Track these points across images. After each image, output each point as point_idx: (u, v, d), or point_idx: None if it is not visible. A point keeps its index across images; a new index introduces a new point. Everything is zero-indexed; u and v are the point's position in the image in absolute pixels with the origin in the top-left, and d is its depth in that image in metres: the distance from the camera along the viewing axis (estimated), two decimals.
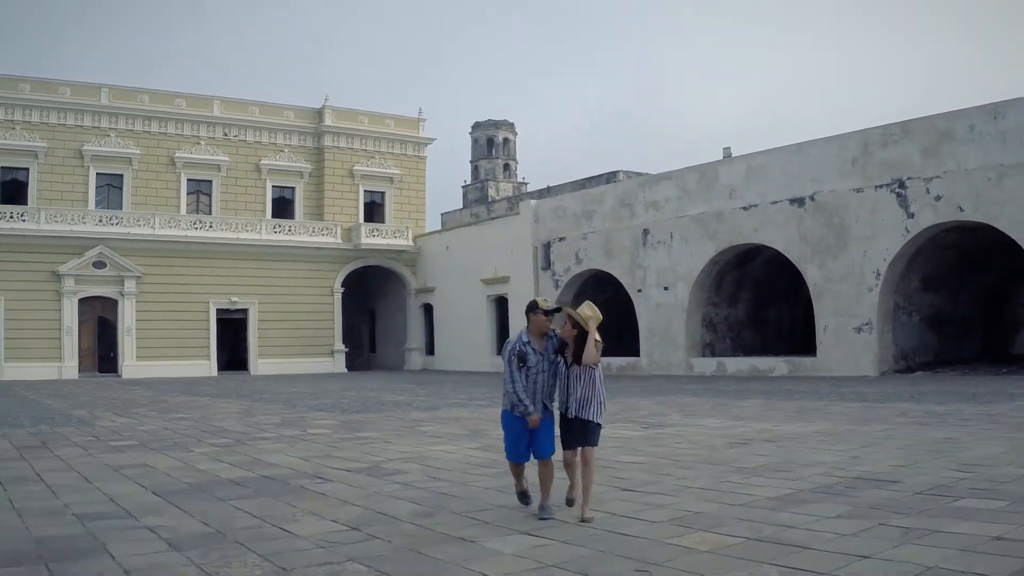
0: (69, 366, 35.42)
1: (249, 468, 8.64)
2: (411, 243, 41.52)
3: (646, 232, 30.27)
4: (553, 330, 5.98)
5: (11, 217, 34.95)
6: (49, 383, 32.91)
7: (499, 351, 36.90)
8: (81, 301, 36.12)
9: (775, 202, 26.31)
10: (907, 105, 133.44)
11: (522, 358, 5.86)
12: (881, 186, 23.80)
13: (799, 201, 25.70)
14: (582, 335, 5.76)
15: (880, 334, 23.95)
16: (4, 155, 36.27)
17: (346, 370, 40.38)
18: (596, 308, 5.84)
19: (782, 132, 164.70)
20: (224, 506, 6.57)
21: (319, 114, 41.78)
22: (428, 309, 41.88)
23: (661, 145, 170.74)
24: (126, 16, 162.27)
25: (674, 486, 7.12)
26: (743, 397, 17.66)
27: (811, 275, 25.39)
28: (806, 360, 25.83)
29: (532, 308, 5.95)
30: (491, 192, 77.88)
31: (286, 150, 40.99)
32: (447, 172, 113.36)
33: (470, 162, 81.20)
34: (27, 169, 36.73)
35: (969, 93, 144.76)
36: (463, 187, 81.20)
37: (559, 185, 68.45)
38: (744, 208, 27.17)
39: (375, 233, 40.64)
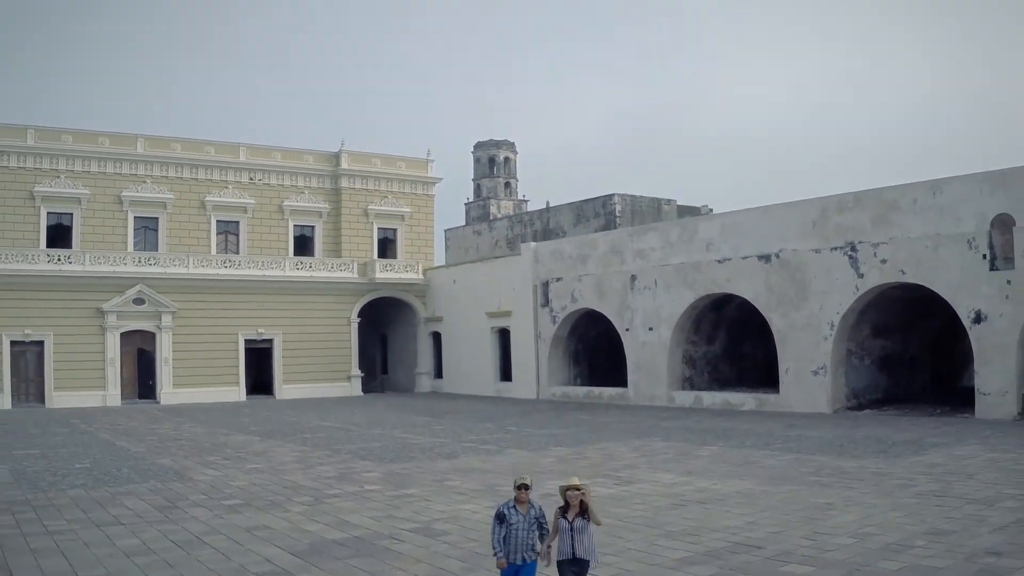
0: (112, 394, 39.11)
1: (341, 528, 12.27)
2: (421, 276, 45.33)
3: (634, 278, 34.01)
4: (532, 502, 7.84)
5: (59, 260, 38.63)
6: (95, 410, 36.75)
7: (502, 378, 40.84)
8: (122, 334, 39.79)
9: (746, 257, 30.05)
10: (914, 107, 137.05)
11: (500, 518, 7.75)
12: (836, 248, 27.53)
13: (766, 257, 29.44)
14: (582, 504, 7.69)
15: (833, 377, 27.71)
16: (51, 201, 40.00)
17: (362, 393, 44.14)
18: (581, 482, 7.86)
19: (782, 138, 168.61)
20: (345, 565, 10.22)
21: (336, 158, 45.59)
22: (437, 336, 45.64)
23: (663, 146, 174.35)
24: (157, 68, 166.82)
25: (616, 548, 10.67)
26: (706, 442, 21.31)
27: (776, 323, 29.14)
28: (771, 396, 29.56)
29: (517, 487, 7.84)
30: (493, 210, 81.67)
31: (306, 192, 44.81)
32: (451, 182, 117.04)
33: (472, 180, 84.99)
34: (71, 214, 40.49)
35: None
36: (466, 204, 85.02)
37: (557, 206, 72.24)
38: (719, 261, 30.91)
39: (388, 268, 44.43)
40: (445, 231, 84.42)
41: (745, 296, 30.18)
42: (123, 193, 40.99)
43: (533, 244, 39.90)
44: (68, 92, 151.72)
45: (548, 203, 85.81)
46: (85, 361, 38.77)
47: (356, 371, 44.34)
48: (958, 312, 24.88)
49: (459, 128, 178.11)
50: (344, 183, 45.40)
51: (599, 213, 66.18)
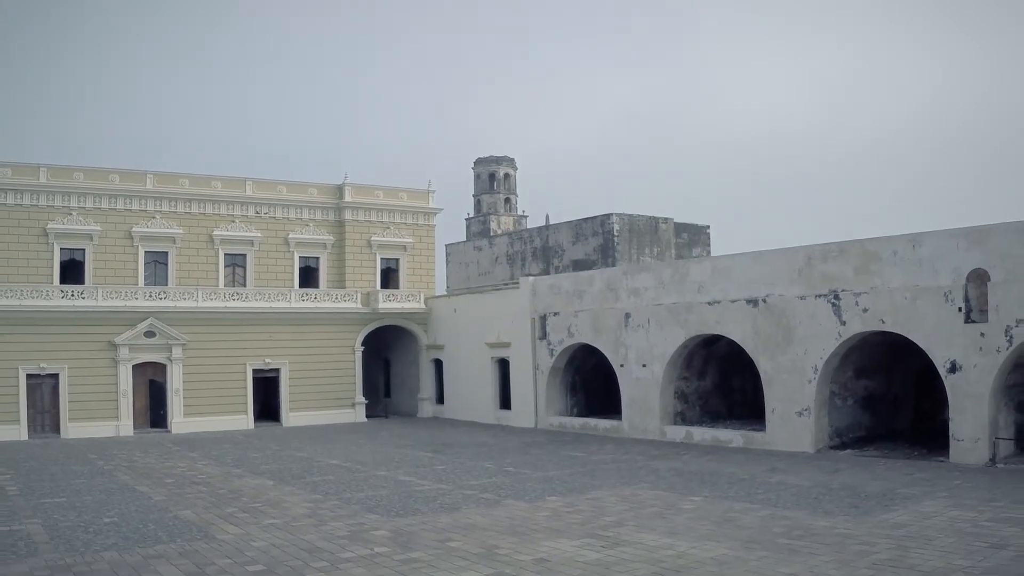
0: (125, 424, 40.51)
1: None
2: (422, 305, 46.76)
3: (628, 315, 35.39)
4: None
5: (72, 295, 40.00)
6: (110, 441, 38.14)
7: (502, 406, 42.26)
8: (134, 366, 41.17)
9: (735, 300, 31.41)
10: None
11: None
12: (820, 295, 28.89)
13: (754, 302, 30.80)
14: None
15: (817, 418, 29.09)
16: (64, 238, 41.37)
17: (365, 419, 45.56)
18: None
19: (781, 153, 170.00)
20: None
21: (339, 190, 47.03)
22: (438, 363, 47.04)
23: (662, 148, 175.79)
24: (163, 107, 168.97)
25: None
26: (691, 490, 22.62)
27: (763, 365, 30.51)
28: (758, 434, 30.92)
29: None
30: (493, 226, 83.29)
31: (311, 224, 46.24)
32: (451, 194, 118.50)
33: (472, 196, 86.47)
34: (83, 249, 41.86)
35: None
36: (466, 219, 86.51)
37: (556, 224, 73.81)
38: (709, 303, 32.28)
39: (391, 298, 45.87)
40: (446, 246, 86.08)
41: (734, 338, 31.54)
42: (133, 229, 42.37)
43: (531, 278, 41.26)
44: (78, 129, 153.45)
45: (548, 217, 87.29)
46: (98, 393, 40.15)
47: (360, 398, 45.75)
48: (934, 361, 26.23)
49: (459, 133, 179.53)
50: (348, 215, 46.84)
51: (597, 232, 67.87)
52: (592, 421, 37.84)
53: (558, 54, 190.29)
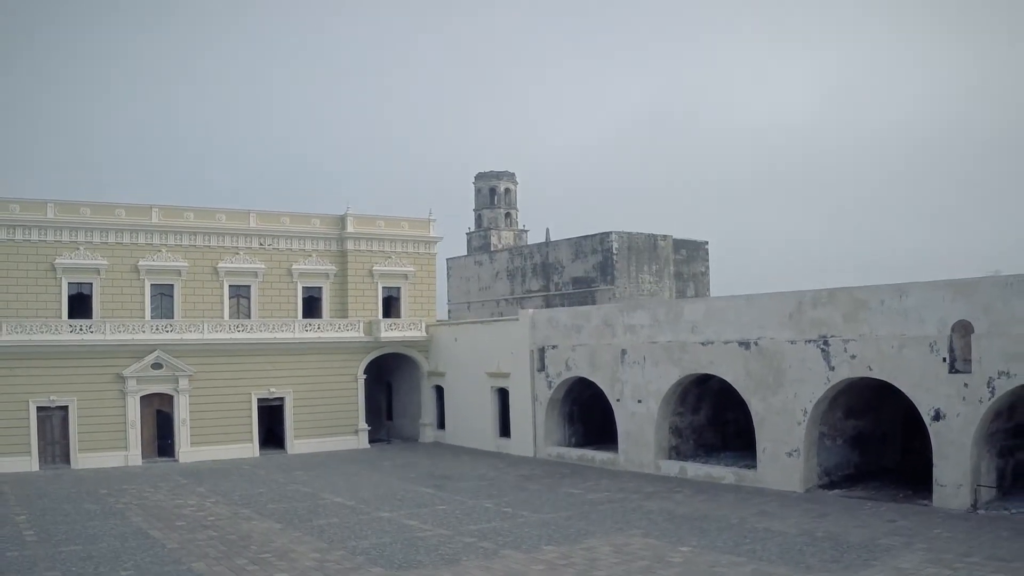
0: (134, 454, 41.42)
1: None
2: (424, 333, 47.71)
3: (624, 352, 36.27)
4: None
5: (81, 329, 40.89)
6: (119, 472, 39.06)
7: (502, 434, 43.18)
8: (142, 397, 42.05)
9: (727, 342, 32.29)
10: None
11: None
12: (810, 341, 29.75)
13: (746, 344, 31.67)
14: None
15: (806, 459, 29.97)
16: (71, 272, 42.29)
17: (368, 445, 46.49)
18: None
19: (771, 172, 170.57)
20: None
21: (342, 220, 47.96)
22: (439, 389, 47.96)
23: (664, 151, 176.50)
24: (167, 139, 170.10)
25: None
26: (681, 539, 23.47)
27: (754, 406, 31.38)
28: (749, 472, 31.79)
29: None
30: (493, 240, 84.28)
31: (314, 255, 47.19)
32: (452, 207, 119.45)
33: (473, 210, 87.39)
34: (91, 283, 42.77)
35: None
36: (467, 234, 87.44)
37: (556, 241, 74.73)
38: (703, 343, 33.15)
39: (392, 327, 46.82)
40: (447, 260, 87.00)
41: (726, 378, 32.41)
42: (140, 262, 43.28)
43: (530, 311, 42.14)
44: (86, 168, 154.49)
45: (548, 231, 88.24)
46: (107, 423, 41.05)
47: (363, 425, 46.69)
48: (919, 409, 27.10)
49: (461, 142, 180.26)
50: (350, 245, 47.78)
51: (596, 249, 68.88)
52: (589, 453, 38.73)
53: (560, 59, 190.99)
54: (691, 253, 72.42)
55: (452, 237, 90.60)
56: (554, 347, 39.88)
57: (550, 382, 40.06)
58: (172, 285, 44.17)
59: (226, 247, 45.18)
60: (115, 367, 41.29)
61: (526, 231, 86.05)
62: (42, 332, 40.17)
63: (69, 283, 42.27)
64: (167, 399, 42.80)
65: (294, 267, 46.69)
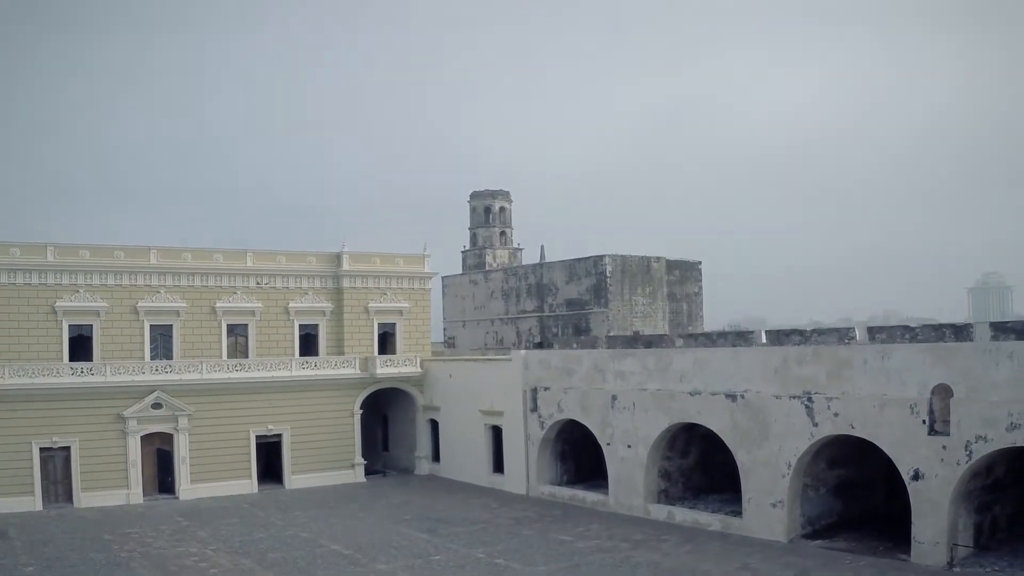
0: (135, 492, 42.22)
1: None
2: (419, 369, 48.51)
3: (614, 397, 37.09)
4: None
5: (82, 372, 41.61)
6: (121, 512, 39.85)
7: (495, 469, 44.01)
8: (142, 437, 42.81)
9: (715, 393, 33.11)
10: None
11: None
12: (794, 396, 30.58)
13: (733, 396, 32.50)
14: None
15: (790, 510, 30.84)
16: (72, 315, 42.99)
17: (364, 479, 47.29)
18: None
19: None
20: None
21: (338, 258, 48.70)
22: (434, 423, 48.74)
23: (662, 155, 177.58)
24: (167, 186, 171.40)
25: None
26: None
27: (740, 457, 32.22)
28: (735, 520, 32.65)
29: None
30: (488, 259, 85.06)
31: (310, 293, 47.97)
32: (448, 224, 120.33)
33: (468, 229, 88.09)
34: (91, 325, 43.48)
35: None
36: (462, 252, 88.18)
37: (550, 263, 75.56)
38: (691, 393, 33.98)
39: (388, 364, 47.63)
40: (442, 278, 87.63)
41: (713, 428, 33.25)
42: (139, 304, 43.99)
43: (523, 352, 42.92)
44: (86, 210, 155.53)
45: (543, 248, 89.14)
46: (109, 463, 41.82)
47: (359, 459, 47.51)
48: (899, 468, 27.96)
49: (455, 158, 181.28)
50: (346, 283, 48.54)
51: (590, 272, 69.64)
52: (580, 493, 39.53)
53: (557, 70, 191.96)
54: (684, 274, 73.16)
55: (447, 254, 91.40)
56: (546, 388, 40.68)
57: (542, 422, 40.87)
58: (171, 325, 44.89)
59: (223, 287, 45.89)
60: (116, 408, 42.02)
61: (521, 249, 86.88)
62: (44, 375, 40.89)
63: (70, 325, 42.95)
64: (167, 437, 43.55)
65: (291, 305, 47.44)
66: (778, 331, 42.02)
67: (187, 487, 43.15)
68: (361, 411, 47.83)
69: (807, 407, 30.17)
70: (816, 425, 29.94)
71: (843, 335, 38.65)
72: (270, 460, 46.45)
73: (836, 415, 29.40)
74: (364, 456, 48.24)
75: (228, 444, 44.32)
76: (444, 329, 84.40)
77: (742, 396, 32.20)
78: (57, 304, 42.57)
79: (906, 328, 37.63)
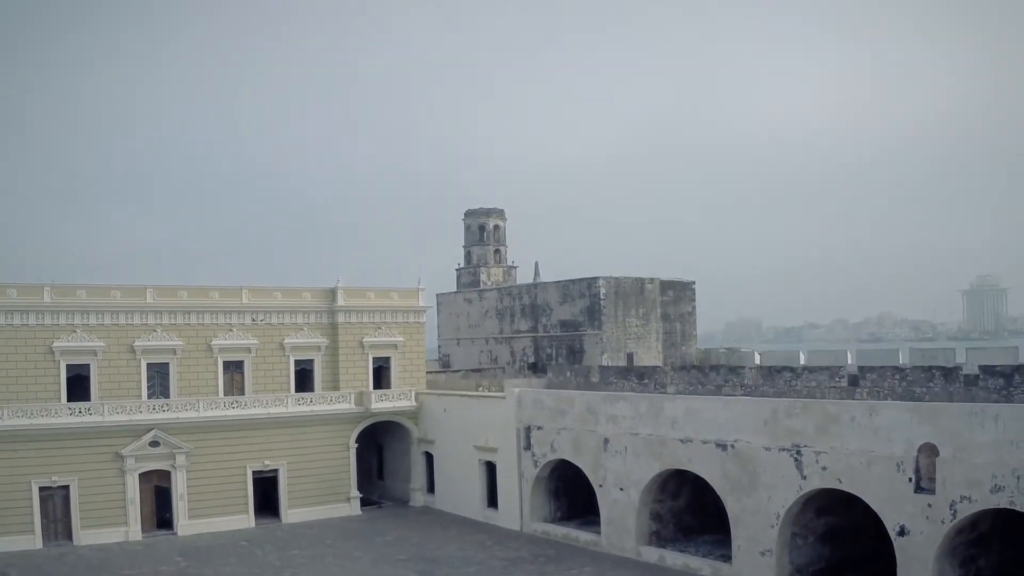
0: (134, 529, 42.68)
1: None
2: (414, 403, 49.04)
3: (606, 440, 37.63)
4: None
5: (80, 412, 42.01)
6: (121, 549, 40.35)
7: (489, 504, 44.51)
8: (140, 474, 43.23)
9: (705, 441, 33.65)
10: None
11: None
12: (783, 449, 31.13)
13: (723, 446, 33.04)
14: None
15: (779, 558, 31.43)
16: (69, 355, 43.35)
17: (360, 511, 47.79)
18: None
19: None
20: None
21: (332, 293, 49.14)
22: (429, 456, 49.20)
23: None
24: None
25: None
26: None
27: (730, 506, 32.77)
28: (725, 566, 33.23)
29: None
30: (483, 277, 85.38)
31: (305, 328, 48.39)
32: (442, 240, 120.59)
33: (463, 247, 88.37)
34: (88, 364, 43.83)
35: None
36: (457, 270, 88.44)
37: (544, 283, 76.04)
38: (682, 440, 34.53)
39: (383, 398, 48.16)
40: (437, 295, 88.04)
41: (704, 476, 33.81)
42: (136, 343, 44.34)
43: (516, 390, 43.33)
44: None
45: (537, 265, 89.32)
46: (108, 501, 42.26)
47: (355, 492, 48.01)
48: (885, 524, 28.52)
49: (450, 174, 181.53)
50: (340, 318, 48.95)
51: (584, 294, 70.17)
52: (573, 532, 40.06)
53: (558, 68, 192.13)
54: (678, 294, 73.69)
55: (442, 270, 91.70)
56: (539, 428, 41.18)
57: (536, 461, 41.38)
58: (168, 363, 45.25)
59: (219, 324, 46.27)
60: (114, 446, 42.43)
61: (515, 267, 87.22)
62: (42, 416, 41.27)
63: (67, 365, 43.29)
64: (165, 474, 43.96)
65: (286, 341, 47.85)
66: (770, 368, 42.76)
67: (185, 523, 43.57)
68: (357, 445, 48.28)
69: (796, 460, 30.71)
70: (804, 478, 30.48)
71: (834, 373, 39.37)
72: (267, 494, 46.86)
73: (824, 469, 29.94)
74: (359, 484, 48.65)
75: (225, 480, 44.74)
76: (439, 347, 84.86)
77: (732, 446, 32.73)
78: (55, 344, 42.91)
79: (896, 368, 38.48)
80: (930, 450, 27.64)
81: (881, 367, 39.88)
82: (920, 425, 27.78)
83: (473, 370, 74.88)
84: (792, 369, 43.40)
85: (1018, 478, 25.26)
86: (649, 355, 70.86)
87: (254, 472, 45.66)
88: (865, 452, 28.89)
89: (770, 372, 44.86)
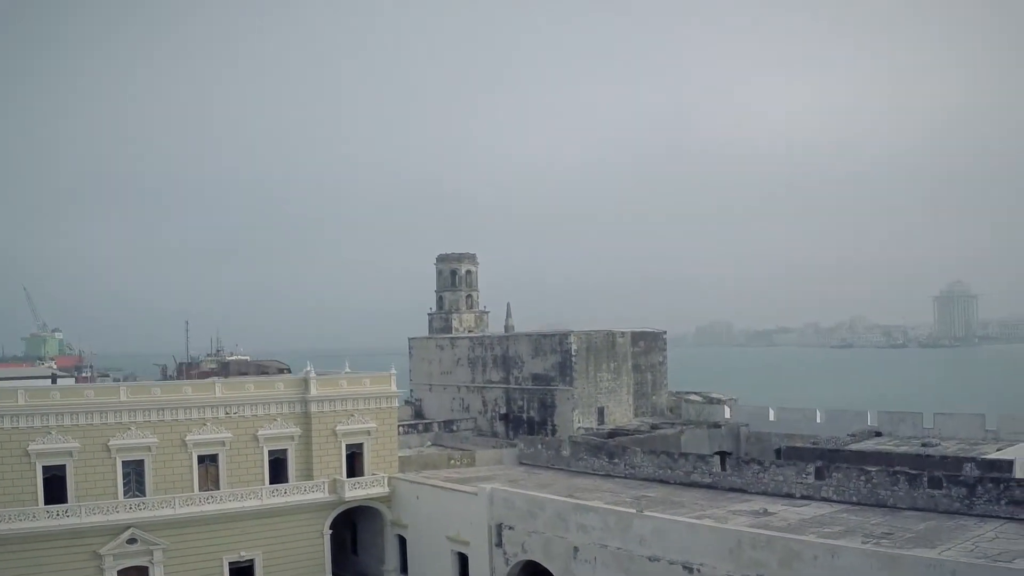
0: None
1: None
2: (387, 489, 49.90)
3: (576, 549, 38.73)
4: None
5: (58, 515, 42.45)
6: None
7: None
8: (119, 572, 43.82)
9: (672, 562, 34.82)
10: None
11: None
12: None
13: (690, 569, 34.23)
14: None
15: None
16: (44, 456, 43.70)
17: None
18: None
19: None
20: None
21: (304, 383, 49.77)
22: (402, 539, 50.03)
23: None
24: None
25: None
26: None
27: None
28: None
29: None
30: (455, 323, 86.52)
31: (278, 419, 49.05)
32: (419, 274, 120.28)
33: (435, 292, 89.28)
34: (64, 465, 44.18)
35: None
36: (429, 314, 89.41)
37: (516, 335, 77.16)
38: (650, 559, 35.66)
39: (356, 486, 49.16)
40: (409, 339, 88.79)
41: None
42: (110, 441, 44.75)
43: (488, 487, 44.24)
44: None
45: (508, 305, 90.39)
46: None
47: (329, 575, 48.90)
48: None
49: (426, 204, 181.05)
50: (313, 408, 49.60)
51: (556, 349, 71.46)
52: None
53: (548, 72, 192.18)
54: (649, 344, 75.10)
55: (414, 314, 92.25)
56: (511, 528, 42.16)
57: (507, 559, 42.38)
58: (143, 460, 45.72)
59: (193, 419, 46.78)
60: (92, 546, 43.04)
61: (487, 312, 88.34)
62: (20, 520, 41.69)
63: (43, 467, 43.62)
64: (143, 570, 44.59)
65: (260, 432, 48.45)
66: (738, 458, 44.06)
67: None
68: (331, 531, 49.09)
69: None
70: None
71: (800, 469, 40.99)
72: None
73: None
74: (332, 560, 49.54)
75: (203, 572, 45.48)
76: (411, 391, 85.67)
77: (698, 570, 33.90)
78: (30, 447, 43.21)
79: (861, 470, 40.46)
80: None
81: (847, 467, 41.48)
82: (880, 571, 29.00)
83: (445, 422, 75.87)
84: (760, 463, 44.91)
85: None
86: (620, 408, 72.30)
87: (230, 563, 46.40)
88: None
89: (738, 463, 46.30)
